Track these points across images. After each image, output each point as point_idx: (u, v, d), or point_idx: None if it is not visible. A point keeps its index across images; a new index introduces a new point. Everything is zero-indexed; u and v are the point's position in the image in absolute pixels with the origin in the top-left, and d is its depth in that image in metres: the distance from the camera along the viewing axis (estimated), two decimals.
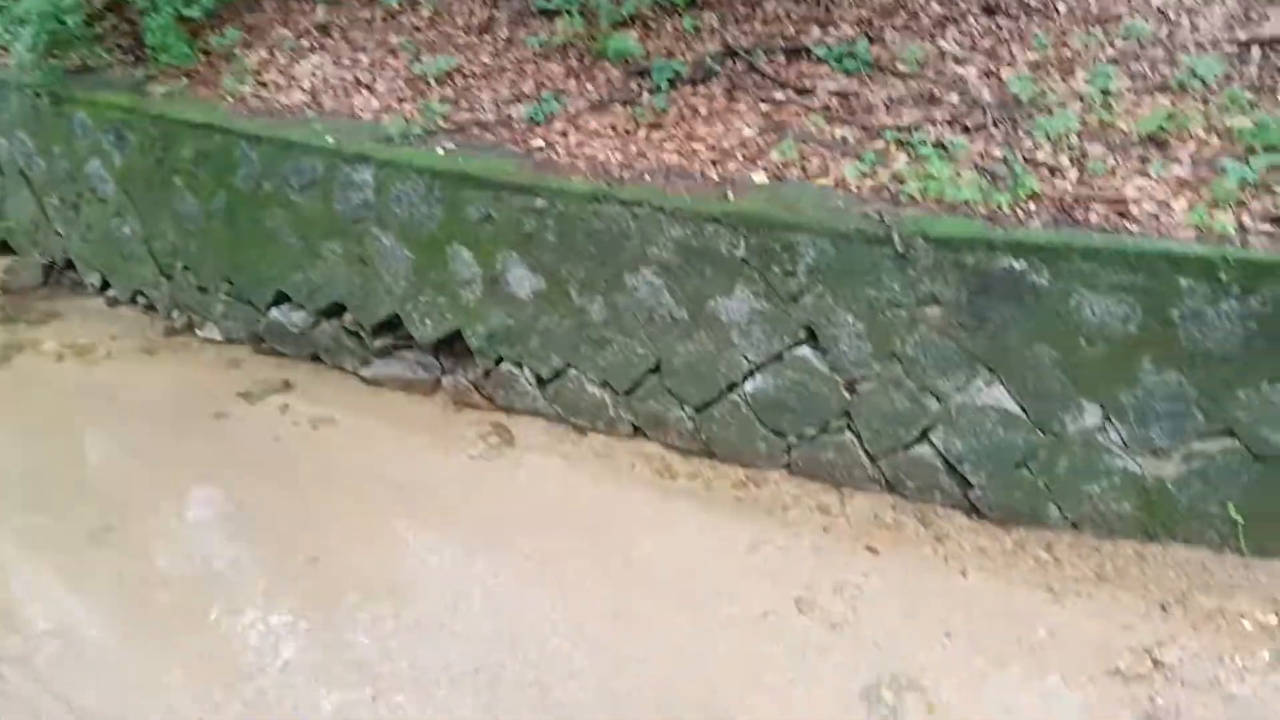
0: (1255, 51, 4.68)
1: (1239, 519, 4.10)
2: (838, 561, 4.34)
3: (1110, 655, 3.81)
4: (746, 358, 4.68)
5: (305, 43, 6.48)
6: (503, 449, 5.16)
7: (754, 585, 4.22)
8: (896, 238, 4.18)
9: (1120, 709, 3.61)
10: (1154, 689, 3.67)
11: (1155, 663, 3.75)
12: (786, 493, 4.76)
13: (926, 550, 4.37)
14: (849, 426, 4.65)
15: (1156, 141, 4.37)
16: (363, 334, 5.69)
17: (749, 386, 4.74)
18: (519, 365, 5.29)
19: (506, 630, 4.01)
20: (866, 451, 4.64)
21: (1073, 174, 4.31)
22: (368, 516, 4.66)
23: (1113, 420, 4.13)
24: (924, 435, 4.51)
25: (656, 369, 4.92)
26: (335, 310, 5.75)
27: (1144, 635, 3.88)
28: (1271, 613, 3.90)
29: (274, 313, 5.94)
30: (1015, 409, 4.25)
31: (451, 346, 5.54)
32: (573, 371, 5.15)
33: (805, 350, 4.58)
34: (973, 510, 4.50)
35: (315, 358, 5.92)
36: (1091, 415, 4.15)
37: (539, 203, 4.86)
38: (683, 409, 4.95)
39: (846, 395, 4.55)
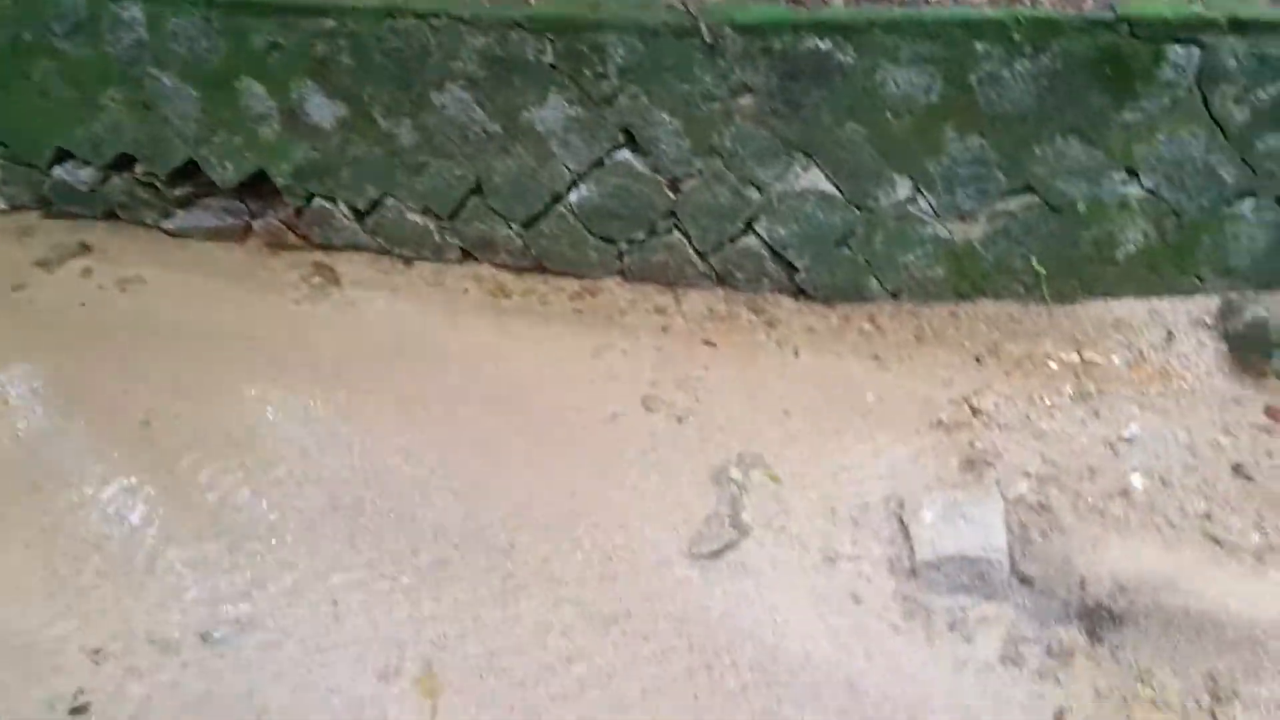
0: None
1: (1041, 270, 4.38)
2: (678, 358, 4.45)
3: (933, 409, 4.08)
4: (567, 167, 4.62)
5: None
6: (328, 289, 5.01)
7: (600, 391, 4.30)
8: (704, 28, 4.13)
9: (945, 456, 3.89)
10: (974, 434, 3.96)
11: (974, 410, 4.04)
12: (623, 298, 4.80)
13: (760, 336, 4.52)
14: (676, 226, 4.69)
15: None
16: (159, 185, 5.33)
17: (573, 196, 4.70)
18: (332, 200, 5.08)
19: (359, 468, 3.99)
20: (695, 249, 4.71)
21: None
22: (196, 373, 4.49)
23: (922, 190, 4.29)
24: (748, 226, 4.59)
25: (478, 189, 4.81)
26: (125, 162, 5.34)
27: (962, 387, 4.15)
28: (1074, 352, 4.23)
29: (58, 172, 5.49)
30: (831, 190, 4.36)
31: (257, 188, 5.26)
32: (390, 201, 4.99)
33: (625, 153, 4.54)
34: (800, 293, 4.66)
35: (111, 215, 5.53)
36: (903, 188, 4.30)
37: (328, 24, 4.56)
38: (509, 227, 4.88)
39: (670, 195, 4.56)
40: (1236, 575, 3.40)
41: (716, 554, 3.64)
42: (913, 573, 3.53)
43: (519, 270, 4.98)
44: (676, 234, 4.71)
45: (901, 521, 3.68)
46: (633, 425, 4.13)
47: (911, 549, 3.58)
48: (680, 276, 4.81)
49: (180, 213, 5.37)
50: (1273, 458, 3.73)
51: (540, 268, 4.98)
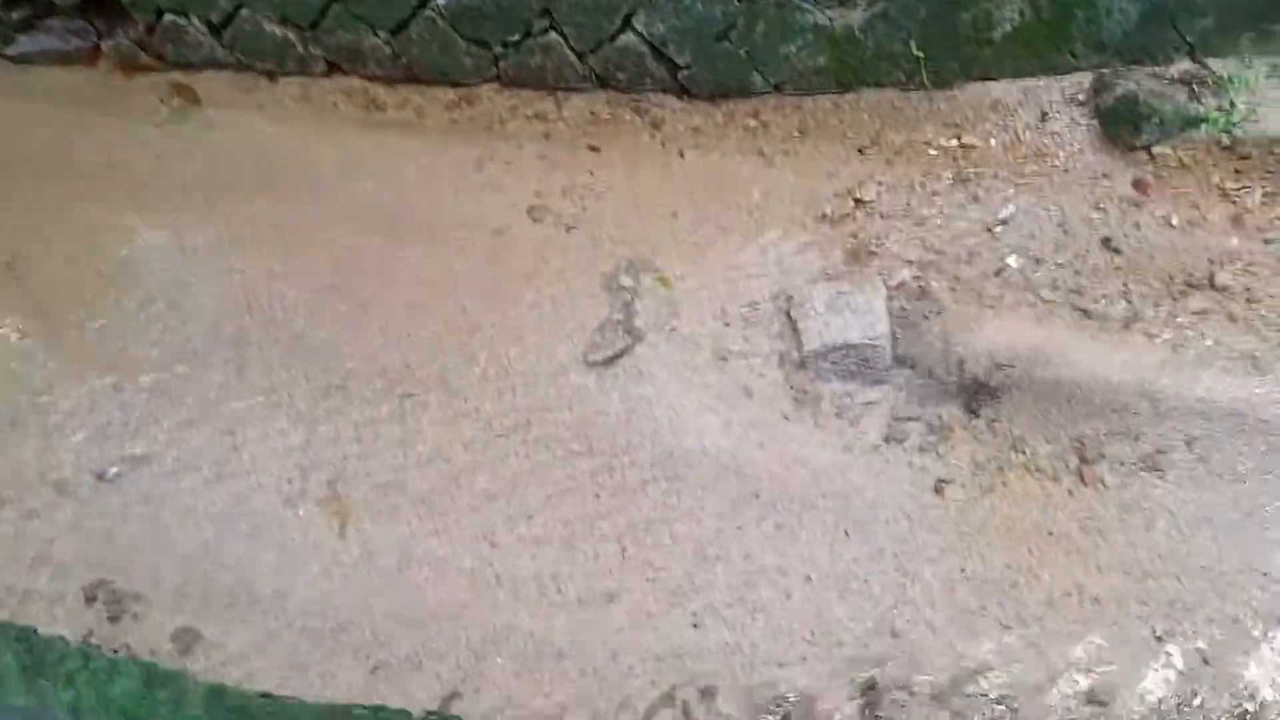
0: None
1: (920, 54, 4.31)
2: (563, 165, 4.34)
3: (818, 203, 4.08)
4: None
5: None
6: (189, 110, 4.71)
7: (484, 204, 4.19)
8: None
9: (831, 249, 3.93)
10: (858, 226, 3.99)
11: (857, 202, 4.06)
12: (501, 106, 4.62)
13: (645, 138, 4.42)
14: (552, 26, 4.47)
15: None
16: None
17: None
18: (183, 14, 4.70)
19: (241, 297, 3.87)
20: (574, 49, 4.51)
21: None
22: (56, 209, 4.23)
23: None
24: (627, 23, 4.40)
25: None
26: None
27: (846, 179, 4.15)
28: (953, 138, 4.24)
29: None
30: None
31: (102, 5, 4.83)
32: (245, 11, 4.64)
33: None
34: (683, 91, 4.53)
35: None
36: None
37: None
38: (376, 34, 4.60)
39: None
40: (1104, 344, 3.55)
41: (612, 360, 3.67)
42: (801, 364, 3.61)
43: (391, 81, 4.73)
44: (553, 34, 4.50)
45: (789, 316, 3.74)
46: (521, 237, 4.06)
47: (800, 341, 3.65)
48: (560, 80, 4.62)
49: (21, 38, 4.92)
50: (1140, 229, 3.85)
51: (413, 77, 4.73)
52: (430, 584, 3.14)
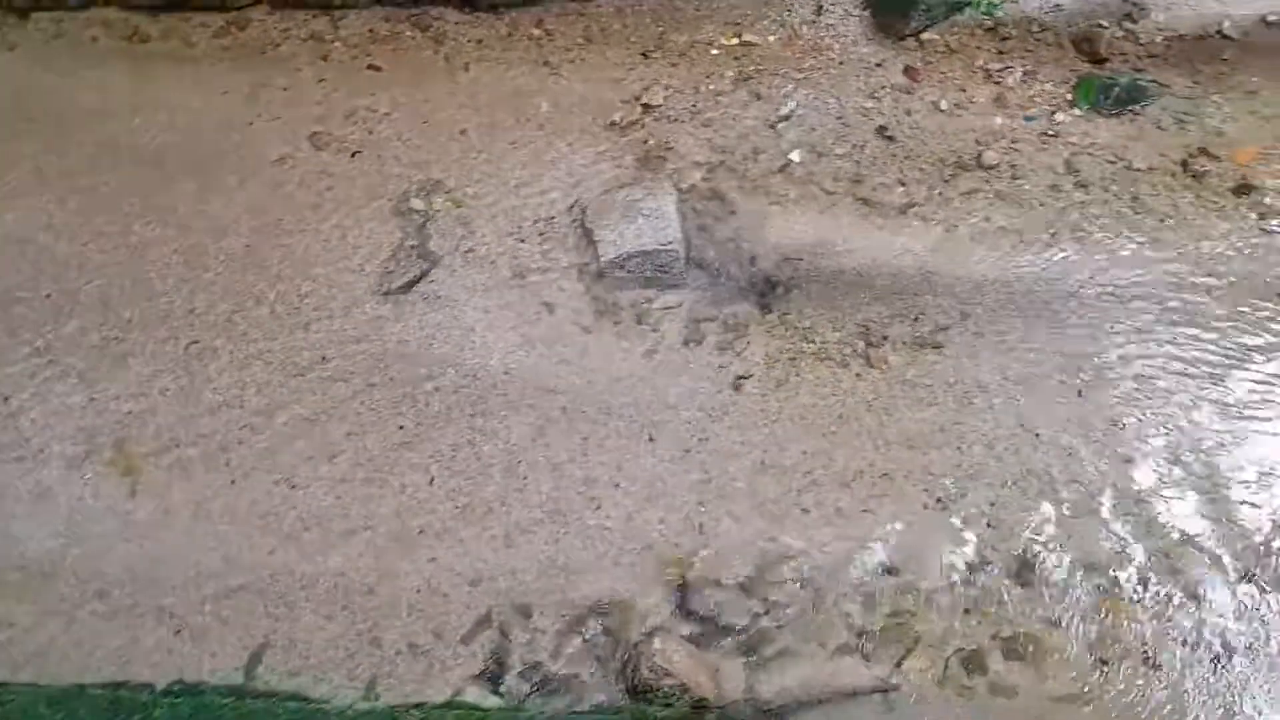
0: None
1: None
2: (343, 88, 4.06)
3: (607, 110, 3.94)
4: None
5: None
6: None
7: (263, 134, 3.89)
8: None
9: (622, 156, 3.81)
10: (647, 131, 3.87)
11: (645, 107, 3.93)
12: (274, 28, 4.27)
13: (428, 54, 4.17)
14: None
15: None
16: None
17: None
18: None
19: (4, 251, 3.50)
20: None
21: None
22: None
23: None
24: None
25: None
26: None
27: (633, 85, 4.02)
28: (733, 36, 4.14)
29: None
30: None
31: None
32: None
33: None
34: (464, 3, 4.29)
35: None
36: None
37: None
38: None
39: None
40: (884, 231, 3.58)
41: (408, 287, 3.49)
42: (599, 275, 3.51)
43: (152, 9, 4.31)
44: None
45: (585, 227, 3.62)
46: (304, 166, 3.79)
47: (597, 253, 3.54)
48: None
49: None
50: (912, 115, 3.86)
51: (177, 4, 4.32)
52: (231, 536, 2.96)
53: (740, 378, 3.27)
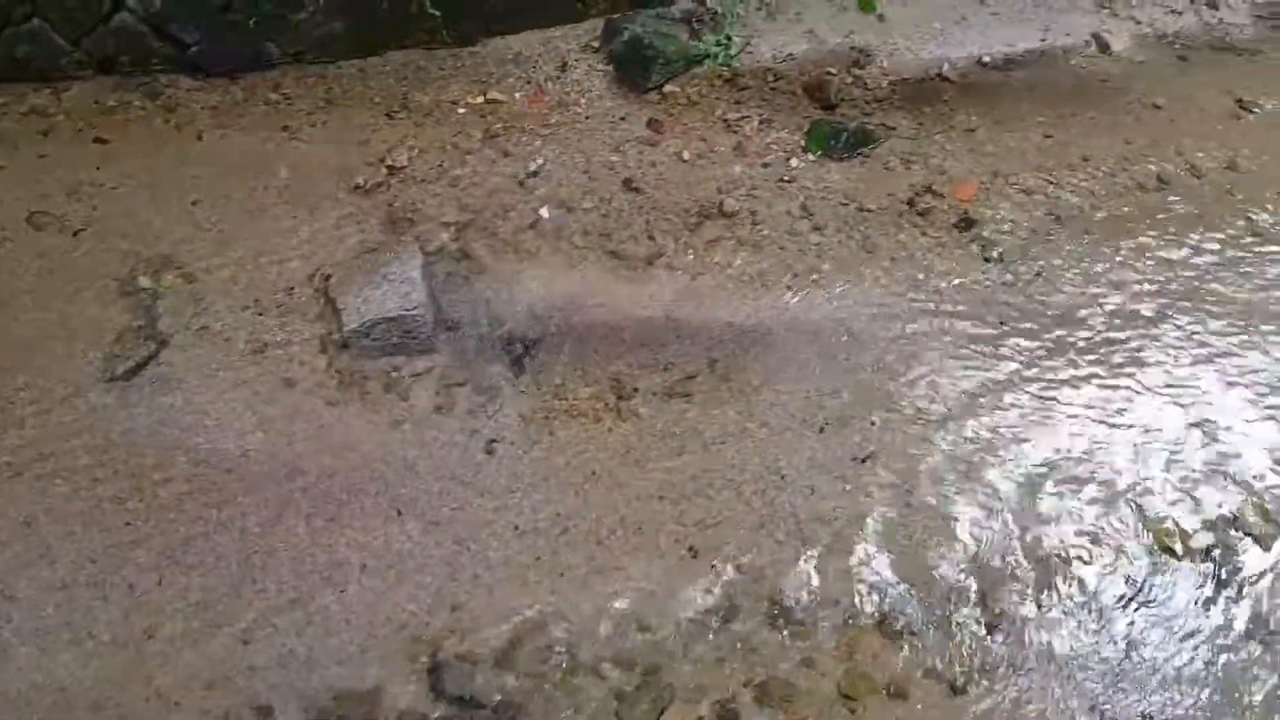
0: None
1: (436, 12, 4.10)
2: (66, 163, 3.77)
3: (350, 174, 3.79)
4: None
5: None
6: None
7: None
8: None
9: (366, 218, 3.67)
10: (393, 193, 3.75)
11: (390, 168, 3.81)
12: None
13: (158, 124, 3.93)
14: (35, 12, 3.84)
15: None
16: None
17: None
18: None
19: None
20: (63, 37, 3.91)
21: None
22: None
23: None
24: (119, 3, 3.86)
25: None
26: None
27: (377, 146, 3.89)
28: (479, 94, 4.07)
29: None
30: None
31: None
32: None
33: None
34: (196, 69, 4.07)
35: None
36: None
37: None
38: None
39: None
40: (632, 282, 3.55)
41: (135, 371, 3.23)
42: (344, 345, 3.35)
43: None
44: (37, 20, 3.88)
45: (328, 296, 3.45)
46: (21, 249, 3.49)
47: (340, 322, 3.37)
48: (55, 69, 4.01)
49: None
50: (656, 167, 3.87)
51: None
52: None
53: (492, 441, 3.17)
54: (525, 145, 3.91)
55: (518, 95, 4.06)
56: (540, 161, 3.86)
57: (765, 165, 3.90)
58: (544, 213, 3.72)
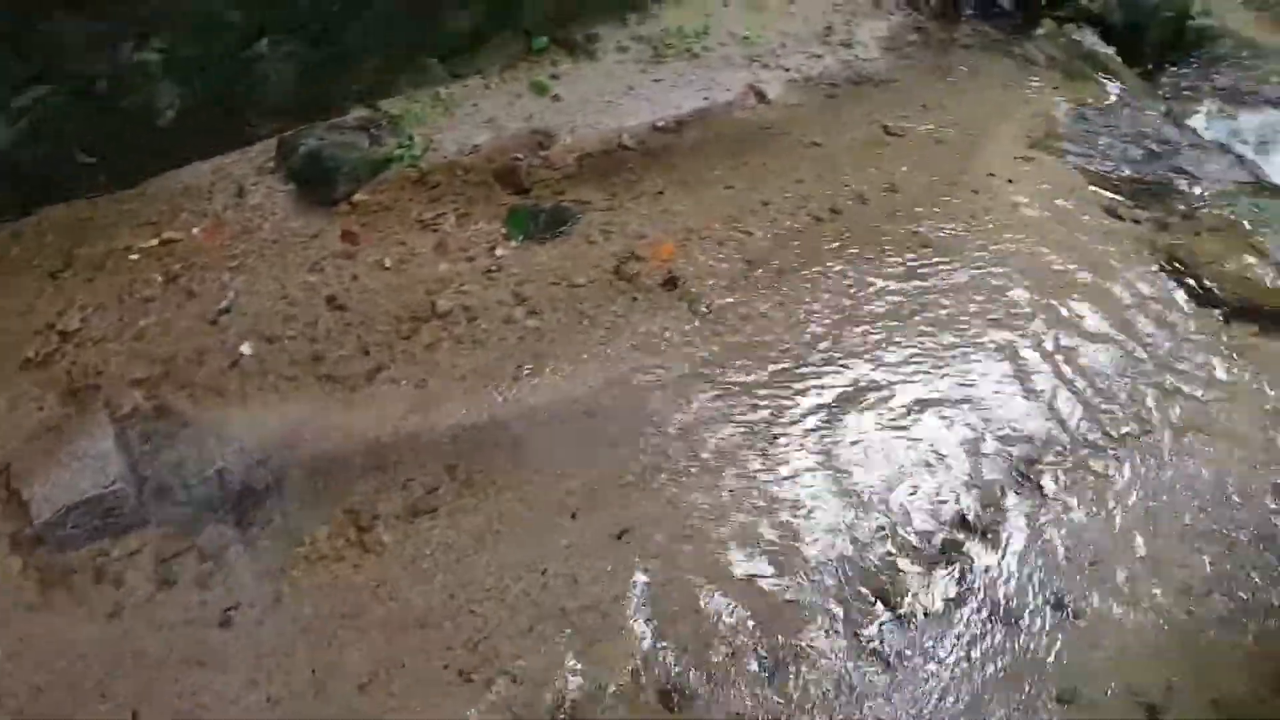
0: None
1: (90, 160, 3.76)
2: None
3: (17, 348, 3.40)
4: None
5: None
6: None
7: None
8: None
9: (42, 394, 3.30)
10: (69, 360, 3.38)
11: (62, 334, 3.45)
12: None
13: None
14: None
15: None
16: None
17: None
18: None
19: None
20: None
21: None
22: None
23: None
24: None
25: None
26: None
27: (44, 312, 3.51)
28: (153, 236, 3.77)
29: None
30: None
31: None
32: None
33: None
34: None
35: None
36: None
37: None
38: None
39: None
40: (353, 404, 3.36)
41: None
42: (39, 540, 2.95)
43: None
44: None
45: (10, 489, 3.04)
46: None
47: (30, 515, 2.97)
48: None
49: None
50: (359, 280, 3.71)
51: None
52: None
53: (228, 610, 2.88)
54: (212, 281, 3.64)
55: (195, 230, 3.78)
56: (231, 296, 3.60)
57: (470, 259, 3.82)
58: (244, 349, 3.47)
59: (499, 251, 3.86)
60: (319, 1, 3.86)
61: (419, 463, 3.22)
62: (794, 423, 3.40)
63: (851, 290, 3.85)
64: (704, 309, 3.74)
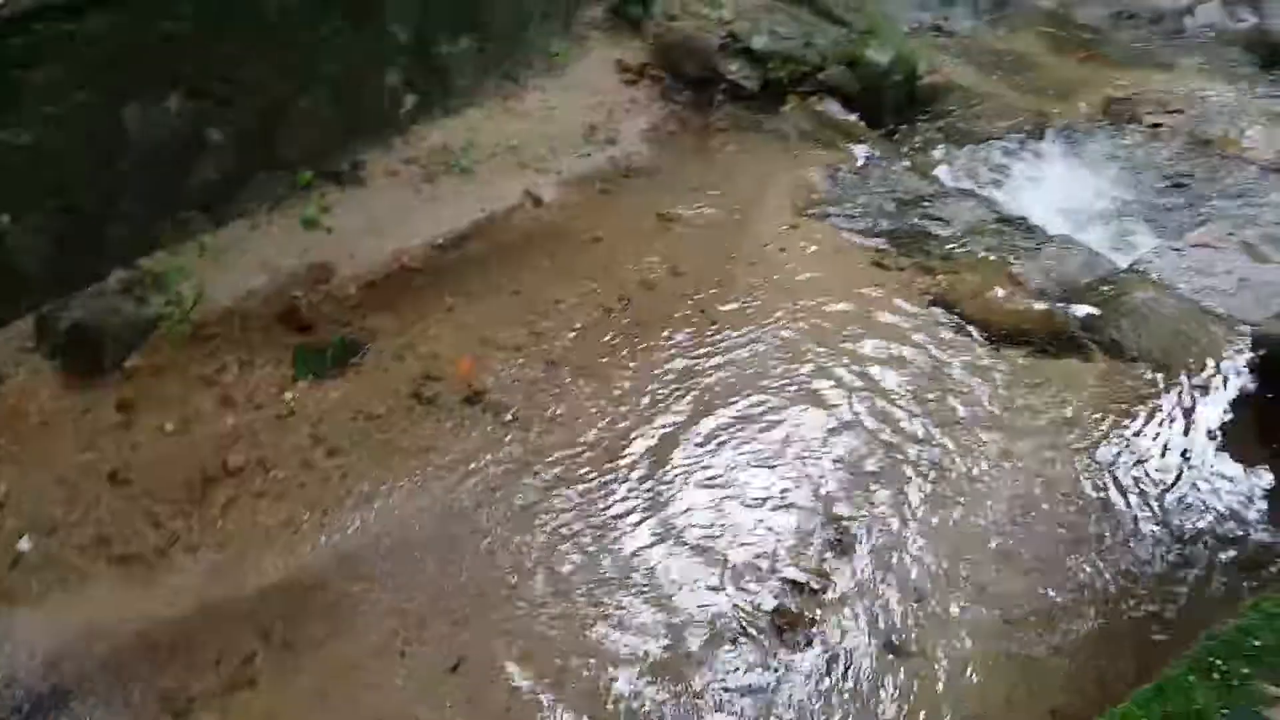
0: None
1: None
2: None
3: None
4: None
5: None
6: None
7: None
8: None
9: None
10: None
11: None
12: None
13: None
14: None
15: None
16: None
17: None
18: None
19: None
20: None
21: None
22: None
23: None
24: None
25: None
26: None
27: None
28: None
29: None
30: None
31: None
32: None
33: None
34: None
35: None
36: None
37: None
38: None
39: None
40: (151, 582, 3.21)
41: None
42: None
43: None
44: None
45: None
46: None
47: None
48: None
49: None
50: (140, 449, 3.57)
51: None
52: None
53: None
54: None
55: None
56: (2, 491, 3.39)
57: (258, 407, 3.74)
58: (23, 545, 3.27)
59: (289, 395, 3.80)
60: (61, 171, 3.75)
61: (230, 633, 3.10)
62: (619, 516, 3.46)
63: (653, 374, 3.98)
64: (509, 418, 3.78)
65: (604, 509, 3.50)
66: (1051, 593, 3.33)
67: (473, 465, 3.59)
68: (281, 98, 4.36)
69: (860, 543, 3.45)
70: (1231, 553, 3.50)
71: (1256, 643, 1.92)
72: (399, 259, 4.43)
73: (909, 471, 3.69)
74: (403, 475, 3.56)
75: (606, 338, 4.15)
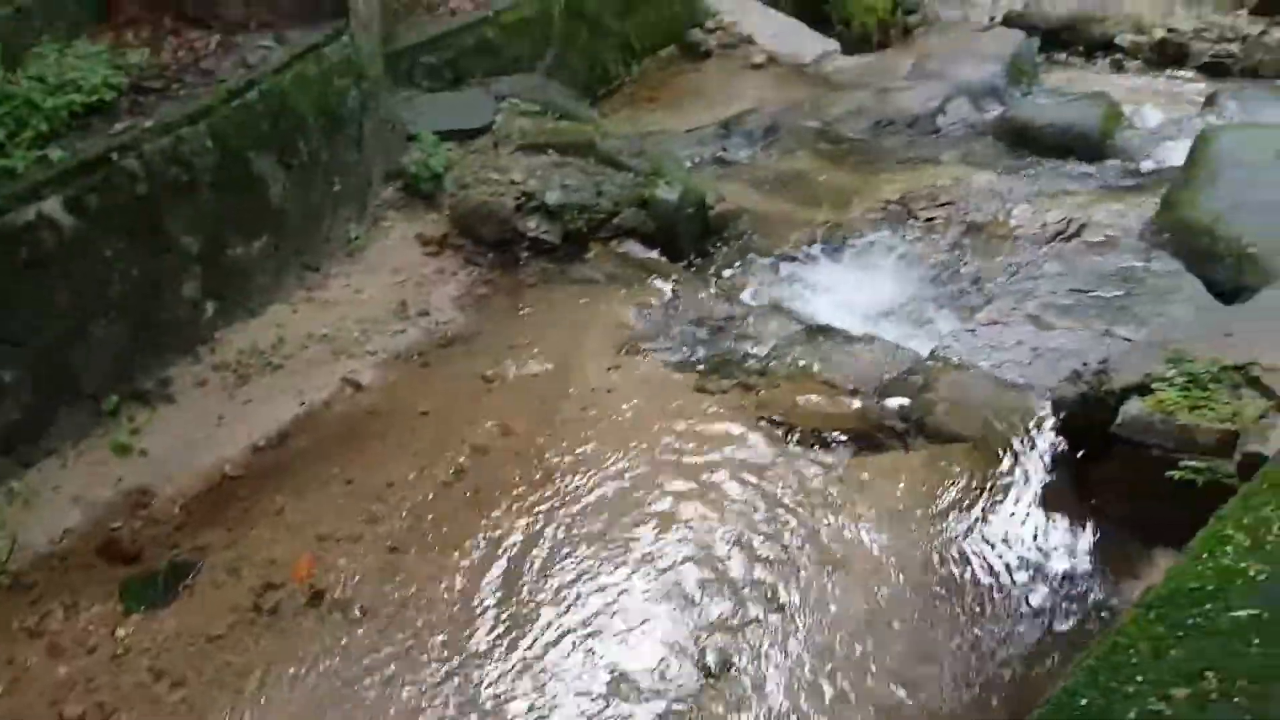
0: None
1: None
2: None
3: None
4: None
5: None
6: None
7: None
8: None
9: None
10: None
11: None
12: None
13: None
14: None
15: None
16: None
17: None
18: None
19: None
20: None
21: None
22: None
23: None
24: None
25: None
26: None
27: None
28: None
29: None
30: None
31: None
32: None
33: None
34: None
35: None
36: None
37: None
38: None
39: None
40: None
41: None
42: None
43: None
44: None
45: None
46: None
47: None
48: None
49: None
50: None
51: None
52: None
53: None
54: None
55: None
56: None
57: (91, 651, 3.62)
58: None
59: (121, 632, 3.70)
60: None
61: None
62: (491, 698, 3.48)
63: (500, 540, 4.05)
64: (357, 612, 3.77)
65: (472, 691, 3.50)
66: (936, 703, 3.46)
67: (319, 670, 3.55)
68: (72, 328, 4.34)
69: (741, 674, 3.51)
70: (1070, 610, 3.77)
71: (1083, 701, 2.10)
72: (220, 469, 4.41)
73: (773, 594, 3.79)
74: (248, 699, 3.48)
75: (447, 511, 4.21)
